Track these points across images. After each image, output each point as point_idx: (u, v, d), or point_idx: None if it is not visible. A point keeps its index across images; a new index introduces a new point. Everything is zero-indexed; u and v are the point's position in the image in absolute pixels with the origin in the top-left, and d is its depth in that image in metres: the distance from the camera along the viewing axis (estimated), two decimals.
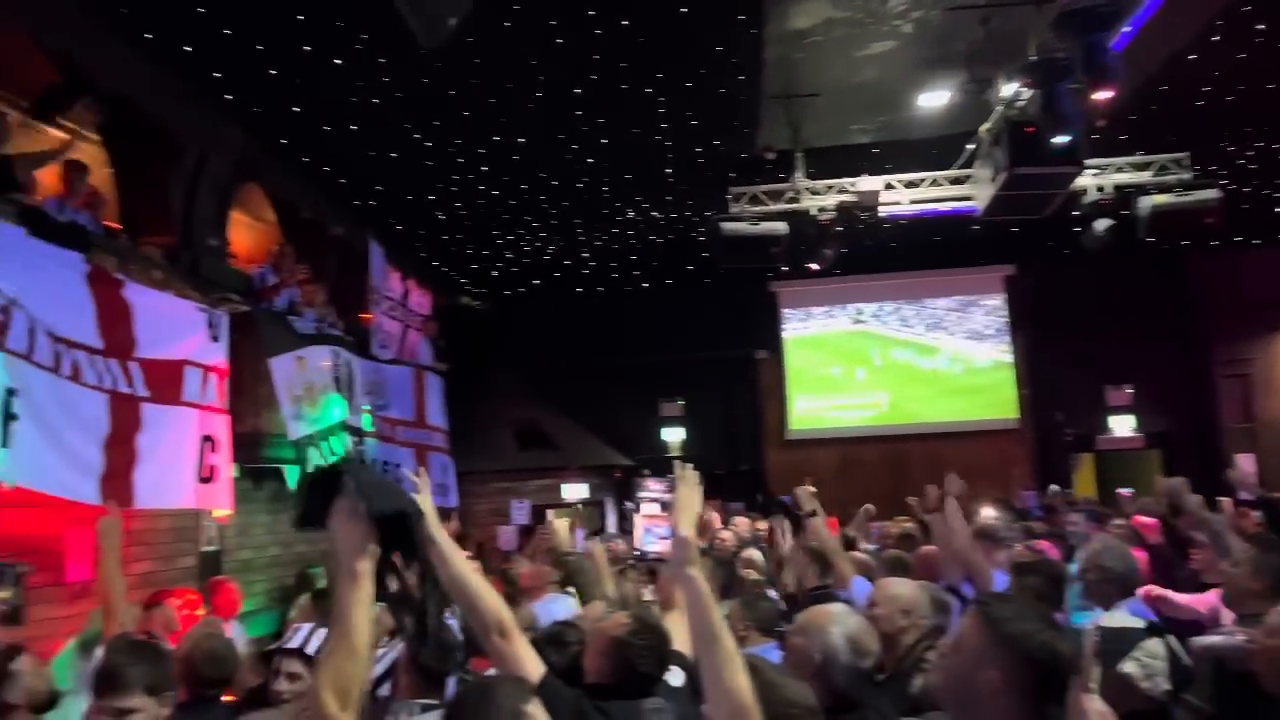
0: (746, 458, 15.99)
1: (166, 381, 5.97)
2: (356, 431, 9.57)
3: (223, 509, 7.02)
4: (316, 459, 8.31)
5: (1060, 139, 7.00)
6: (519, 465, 14.15)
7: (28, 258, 5.01)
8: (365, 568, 1.90)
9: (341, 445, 8.67)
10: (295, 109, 8.30)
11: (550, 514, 13.64)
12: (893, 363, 16.10)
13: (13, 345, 4.63)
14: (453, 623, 3.81)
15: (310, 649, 3.29)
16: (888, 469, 15.20)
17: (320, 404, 8.45)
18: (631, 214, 12.55)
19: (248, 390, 8.33)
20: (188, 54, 7.03)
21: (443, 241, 12.77)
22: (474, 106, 8.91)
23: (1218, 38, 8.40)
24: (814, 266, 11.09)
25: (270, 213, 10.59)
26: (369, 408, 10.29)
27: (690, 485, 2.44)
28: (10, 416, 4.56)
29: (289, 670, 3.28)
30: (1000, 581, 4.42)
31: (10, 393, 4.57)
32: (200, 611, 6.41)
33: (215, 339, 6.60)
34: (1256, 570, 3.64)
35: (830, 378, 16.18)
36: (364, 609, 1.88)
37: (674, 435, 16.16)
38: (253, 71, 7.55)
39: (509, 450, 14.34)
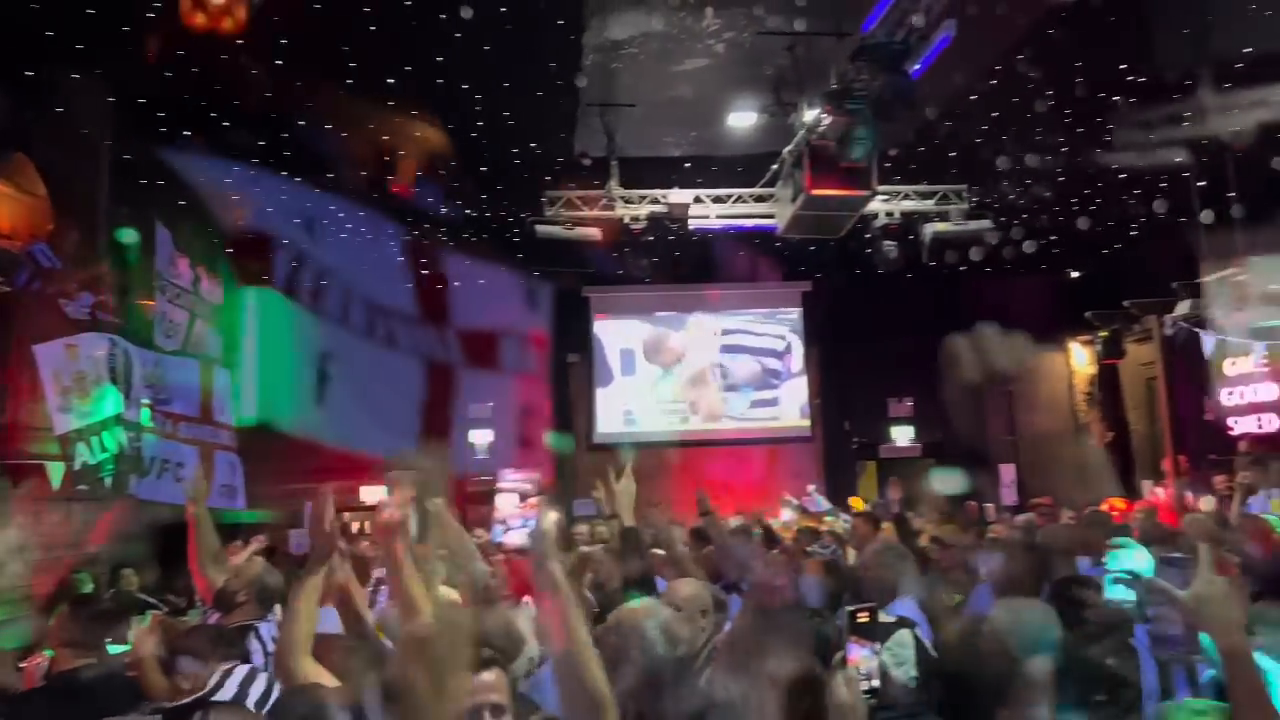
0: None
1: None
2: (133, 426, 8.92)
3: None
4: (85, 455, 7.69)
5: (853, 164, 7.43)
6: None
7: None
8: None
9: (114, 441, 8.05)
10: (75, 76, 7.65)
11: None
12: (694, 370, 16.54)
13: None
14: None
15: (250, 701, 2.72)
16: (688, 475, 15.63)
17: (92, 396, 7.82)
18: (444, 211, 12.34)
19: (9, 379, 7.60)
20: None
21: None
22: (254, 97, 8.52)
23: (995, 82, 9.17)
24: (642, 273, 11.29)
25: (41, 186, 9.69)
26: (148, 401, 9.62)
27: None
28: None
29: None
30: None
31: None
32: None
33: None
34: None
35: (636, 383, 16.46)
36: None
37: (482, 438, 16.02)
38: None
39: None
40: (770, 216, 9.88)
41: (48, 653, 6.53)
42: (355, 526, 11.96)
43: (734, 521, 9.81)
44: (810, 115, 8.08)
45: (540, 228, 9.70)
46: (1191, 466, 12.11)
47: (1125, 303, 13.43)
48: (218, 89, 8.42)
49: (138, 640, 4.15)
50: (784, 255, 14.91)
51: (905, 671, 2.91)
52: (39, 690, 3.89)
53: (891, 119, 6.58)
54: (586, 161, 10.60)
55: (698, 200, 10.03)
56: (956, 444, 16.57)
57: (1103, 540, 5.08)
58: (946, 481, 7.74)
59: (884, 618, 3.31)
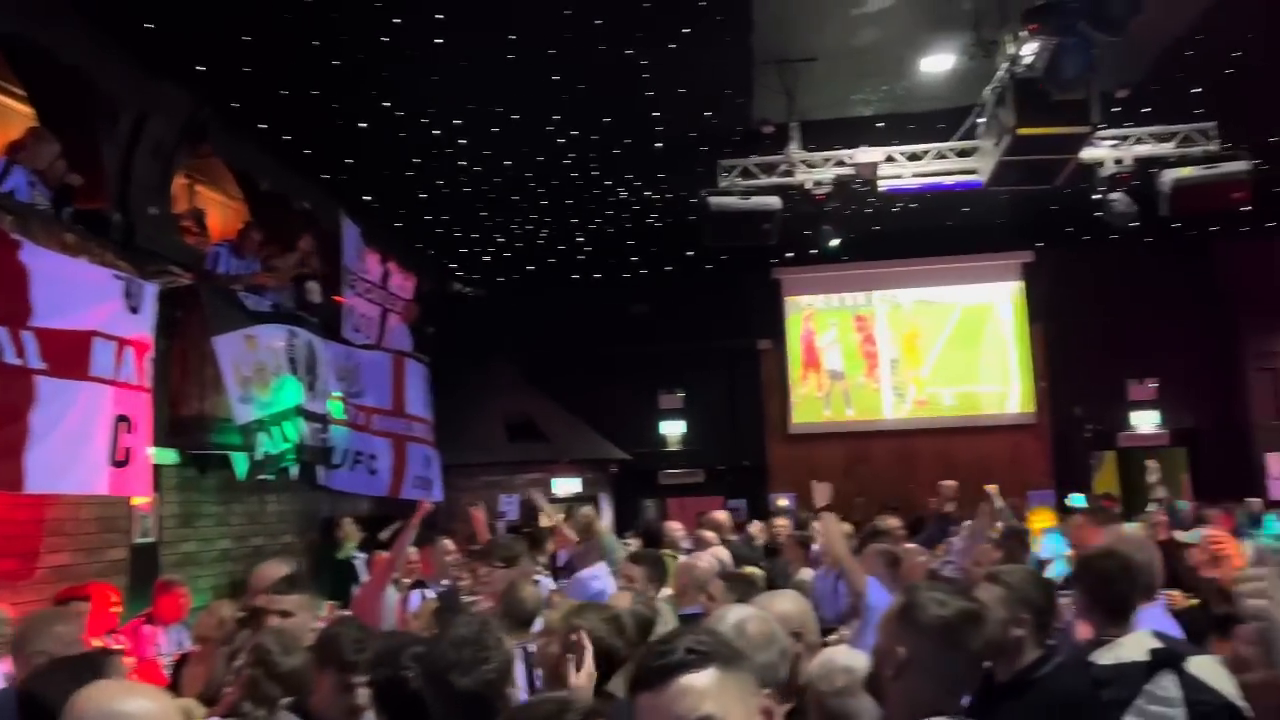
0: (749, 453, 15.35)
1: (69, 354, 5.41)
2: (322, 419, 9.03)
3: (140, 496, 6.47)
4: (267, 445, 7.76)
5: (1067, 96, 6.30)
6: (508, 458, 13.58)
7: None
8: None
9: (295, 431, 8.12)
10: (246, 69, 7.74)
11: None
12: (901, 352, 15.36)
13: None
14: None
15: None
16: (896, 466, 14.54)
17: (272, 387, 7.89)
18: (624, 194, 11.94)
19: (194, 371, 7.82)
20: (115, 4, 6.49)
21: (426, 222, 12.20)
22: (443, 70, 8.33)
23: None
24: (833, 243, 10.42)
25: (237, 189, 10.07)
26: (340, 394, 9.76)
27: None
28: None
29: None
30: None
31: None
32: (115, 609, 5.86)
33: (134, 310, 6.03)
34: None
35: (837, 369, 15.48)
36: None
37: (673, 429, 15.59)
38: (193, 25, 7.00)
39: (498, 442, 13.76)
40: (973, 172, 8.75)
41: None
42: None
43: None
44: (1015, 47, 6.98)
45: (713, 199, 9.03)
46: None
47: None
48: None
49: None
50: (1000, 224, 13.55)
51: None
52: None
53: (1112, 26, 5.45)
54: (768, 130, 9.85)
55: (889, 159, 9.04)
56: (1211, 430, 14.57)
57: None
58: None
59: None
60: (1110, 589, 3.19)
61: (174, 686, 4.17)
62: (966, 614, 2.15)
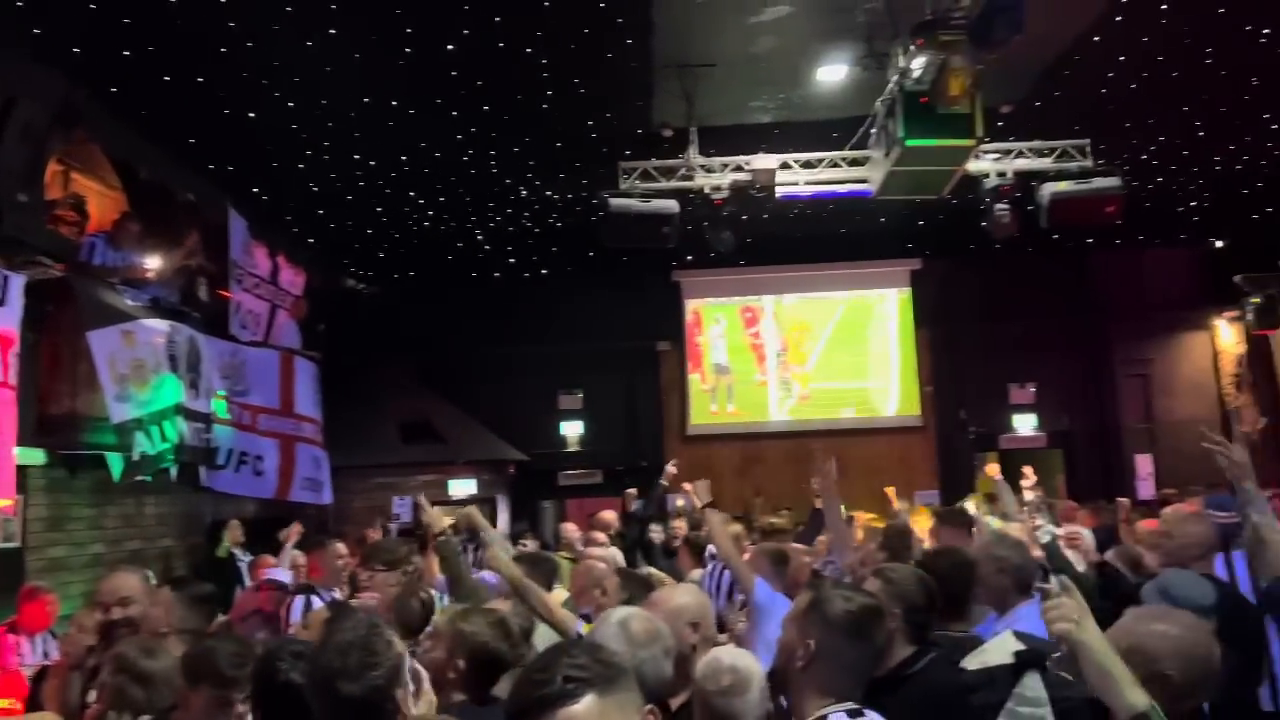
0: (647, 454, 15.38)
1: None
2: (205, 418, 8.72)
3: (2, 499, 6.13)
4: (144, 445, 7.44)
5: (953, 109, 6.54)
6: (402, 459, 13.33)
7: None
8: None
9: (175, 430, 7.81)
10: (125, 53, 7.40)
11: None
12: (795, 356, 15.67)
13: None
14: None
15: None
16: (790, 467, 14.78)
17: (151, 384, 7.58)
18: (525, 193, 11.84)
19: (66, 367, 7.45)
20: None
21: (319, 217, 11.87)
22: (336, 62, 8.12)
23: (1120, 18, 8.09)
24: (723, 248, 10.52)
25: (115, 177, 9.62)
26: (224, 392, 9.44)
27: None
28: None
29: None
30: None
31: None
32: None
33: (0, 302, 5.72)
34: None
35: (722, 363, 15.70)
36: None
37: (572, 429, 15.54)
38: (68, 5, 6.66)
39: (392, 443, 13.49)
40: (864, 181, 8.99)
41: None
42: None
43: None
44: (904, 60, 7.19)
45: (614, 201, 9.05)
46: None
47: None
48: None
49: None
50: (890, 232, 13.94)
51: None
52: None
53: (994, 44, 5.68)
54: (668, 133, 9.90)
55: (785, 166, 9.21)
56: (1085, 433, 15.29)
57: None
58: None
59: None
60: (944, 586, 3.30)
61: (35, 698, 3.97)
62: (870, 609, 2.35)
